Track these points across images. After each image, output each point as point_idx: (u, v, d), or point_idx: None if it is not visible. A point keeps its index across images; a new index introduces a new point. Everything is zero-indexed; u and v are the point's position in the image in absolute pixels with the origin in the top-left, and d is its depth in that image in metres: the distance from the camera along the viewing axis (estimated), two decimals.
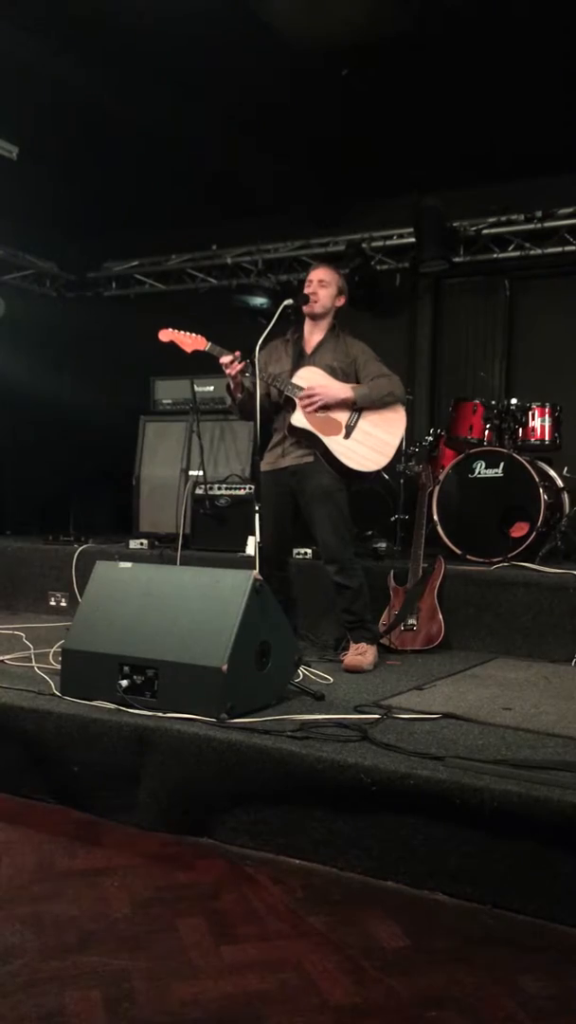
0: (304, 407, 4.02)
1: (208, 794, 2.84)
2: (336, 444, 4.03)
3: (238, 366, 3.94)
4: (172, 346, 4.15)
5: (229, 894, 2.46)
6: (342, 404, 4.02)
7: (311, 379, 4.05)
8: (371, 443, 4.04)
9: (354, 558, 4.10)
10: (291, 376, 4.07)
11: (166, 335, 4.14)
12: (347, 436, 4.03)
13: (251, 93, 5.40)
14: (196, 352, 4.10)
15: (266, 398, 4.08)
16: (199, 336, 4.08)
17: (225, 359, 3.97)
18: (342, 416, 4.05)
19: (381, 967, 2.09)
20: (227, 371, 3.97)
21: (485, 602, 4.64)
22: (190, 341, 4.09)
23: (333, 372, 4.08)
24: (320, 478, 4.03)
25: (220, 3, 4.51)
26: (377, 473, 4.19)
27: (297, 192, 6.85)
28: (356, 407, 4.04)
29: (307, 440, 4.06)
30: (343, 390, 4.02)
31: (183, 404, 6.52)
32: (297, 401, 4.02)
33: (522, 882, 2.37)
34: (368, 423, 4.05)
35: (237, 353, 3.95)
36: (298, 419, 4.04)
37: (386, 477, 5.50)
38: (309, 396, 3.99)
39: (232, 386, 4.05)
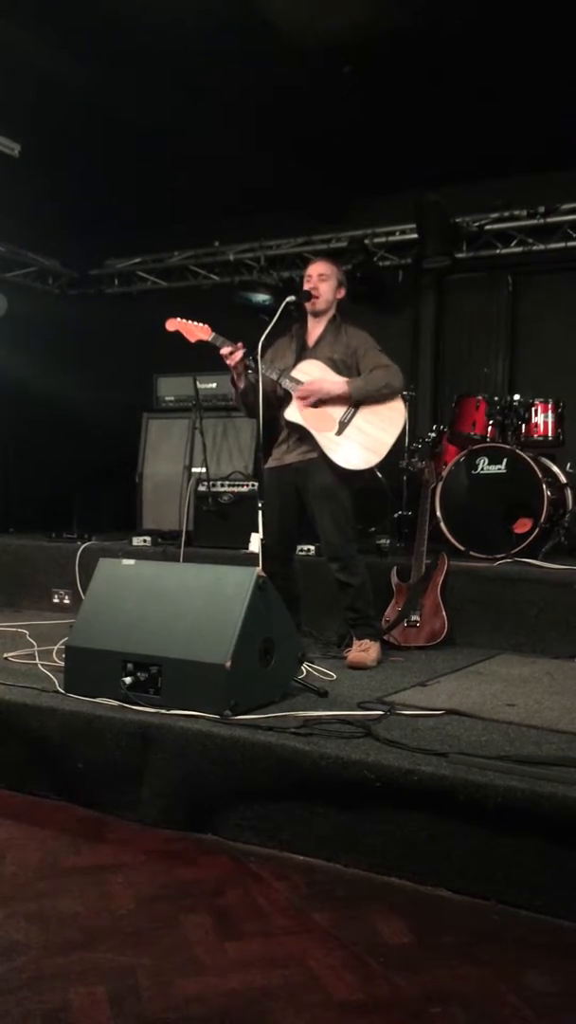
0: (300, 403, 4.01)
1: (212, 791, 2.84)
2: (326, 440, 4.01)
3: (238, 355, 3.94)
4: (175, 343, 4.17)
5: (233, 890, 2.46)
6: (338, 399, 4.01)
7: (310, 372, 4.04)
8: (363, 440, 4.00)
9: (357, 555, 4.10)
10: (292, 370, 4.07)
11: (172, 324, 4.18)
12: (339, 432, 4.00)
13: (253, 90, 5.38)
14: (199, 342, 4.12)
15: (272, 394, 4.08)
16: (205, 325, 4.11)
17: (226, 349, 3.98)
18: (337, 412, 4.02)
19: (385, 963, 2.09)
20: (227, 361, 3.98)
21: (488, 598, 4.64)
22: (196, 330, 4.12)
23: (334, 364, 4.07)
24: (323, 475, 4.02)
25: (221, 1, 4.50)
26: (370, 471, 4.17)
27: (299, 189, 6.82)
28: (352, 401, 4.02)
29: (303, 435, 4.06)
30: (337, 385, 3.99)
31: (186, 401, 6.51)
32: (294, 395, 4.02)
33: (527, 878, 2.37)
34: (363, 420, 4.01)
35: (239, 344, 3.96)
36: (291, 413, 4.03)
37: (379, 475, 5.46)
38: (304, 394, 3.98)
39: (235, 376, 4.05)
